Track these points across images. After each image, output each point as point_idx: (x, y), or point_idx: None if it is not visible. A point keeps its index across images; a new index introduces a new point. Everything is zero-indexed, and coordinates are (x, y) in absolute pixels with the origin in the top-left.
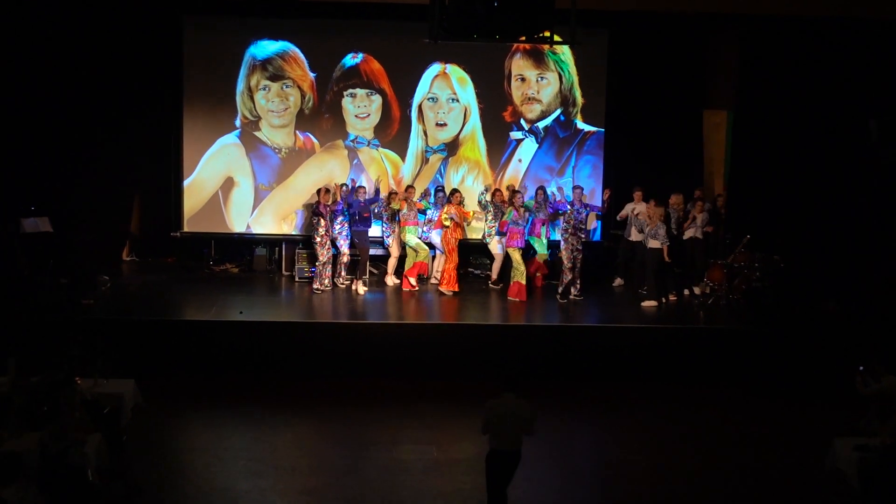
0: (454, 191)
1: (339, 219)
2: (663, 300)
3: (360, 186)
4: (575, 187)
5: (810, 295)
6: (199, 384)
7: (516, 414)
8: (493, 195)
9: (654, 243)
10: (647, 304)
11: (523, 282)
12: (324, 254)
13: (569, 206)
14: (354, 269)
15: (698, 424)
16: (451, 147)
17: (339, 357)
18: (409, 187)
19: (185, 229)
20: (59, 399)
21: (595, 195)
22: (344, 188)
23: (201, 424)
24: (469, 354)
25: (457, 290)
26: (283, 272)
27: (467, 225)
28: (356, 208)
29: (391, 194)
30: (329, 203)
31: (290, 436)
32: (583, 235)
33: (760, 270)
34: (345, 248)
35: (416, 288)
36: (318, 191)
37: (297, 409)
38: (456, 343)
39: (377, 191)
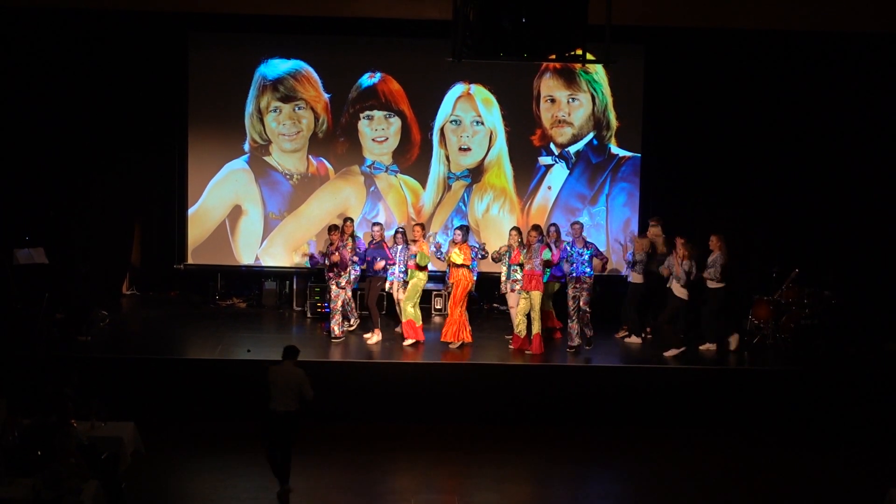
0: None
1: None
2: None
3: (375, 224)
4: (573, 224)
5: (866, 334)
6: (203, 428)
7: (292, 379)
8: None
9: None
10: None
11: (539, 331)
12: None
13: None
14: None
15: (739, 476)
16: (476, 173)
17: (355, 399)
18: (417, 225)
19: (190, 261)
20: (53, 443)
21: (631, 225)
22: (348, 223)
23: (206, 471)
24: (493, 396)
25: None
26: (295, 308)
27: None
28: (370, 255)
29: (397, 234)
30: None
31: (301, 484)
32: (587, 279)
33: (810, 307)
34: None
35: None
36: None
37: (309, 455)
38: (479, 384)
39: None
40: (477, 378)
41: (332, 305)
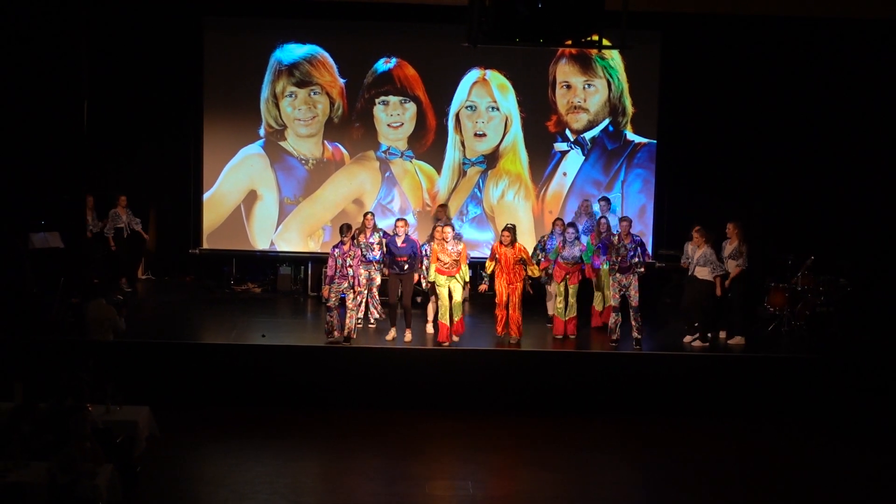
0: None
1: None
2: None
3: (399, 220)
4: (622, 219)
5: (881, 321)
6: (217, 412)
7: (105, 315)
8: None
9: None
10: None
11: (562, 317)
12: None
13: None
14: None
15: (752, 463)
16: (491, 159)
17: (369, 384)
18: (445, 225)
19: (205, 246)
20: (69, 427)
21: (646, 211)
22: (368, 217)
23: (220, 456)
24: (507, 384)
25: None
26: (310, 293)
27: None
28: (392, 248)
29: (434, 229)
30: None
31: (315, 469)
32: (640, 269)
33: (825, 294)
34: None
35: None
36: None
37: (322, 441)
38: (493, 371)
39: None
40: (492, 366)
41: (329, 304)
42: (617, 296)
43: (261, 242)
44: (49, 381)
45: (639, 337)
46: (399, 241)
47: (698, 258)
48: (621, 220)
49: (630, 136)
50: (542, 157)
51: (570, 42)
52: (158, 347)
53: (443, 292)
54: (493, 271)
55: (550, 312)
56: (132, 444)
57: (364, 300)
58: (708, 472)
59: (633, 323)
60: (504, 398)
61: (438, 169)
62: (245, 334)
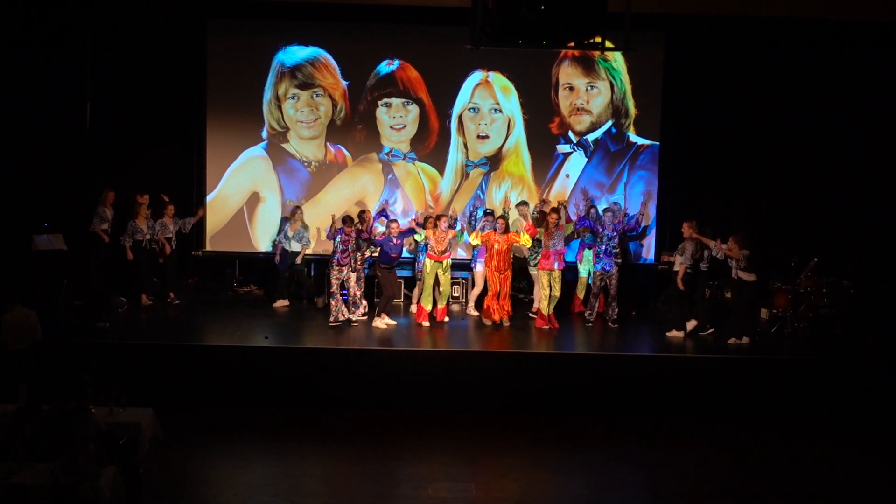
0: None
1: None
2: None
3: (392, 221)
4: (605, 210)
5: (885, 323)
6: (220, 414)
7: (26, 321)
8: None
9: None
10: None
11: (545, 311)
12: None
13: (599, 228)
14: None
15: (754, 465)
16: (494, 161)
17: (371, 386)
18: (441, 216)
19: (208, 248)
20: (72, 429)
21: (649, 210)
22: (367, 213)
23: (223, 457)
24: (509, 384)
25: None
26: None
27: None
28: (387, 248)
29: (427, 220)
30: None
31: (317, 471)
32: (617, 260)
33: (829, 296)
34: (354, 288)
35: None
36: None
37: (324, 442)
38: (495, 372)
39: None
40: (493, 366)
41: (332, 290)
42: (598, 282)
43: (263, 244)
44: (53, 383)
45: (614, 317)
46: (394, 241)
47: (678, 249)
48: (605, 210)
49: (633, 137)
50: (544, 159)
51: (573, 44)
52: (161, 349)
53: (429, 279)
54: (484, 263)
55: (536, 306)
56: (135, 446)
57: (360, 288)
58: (710, 473)
59: (610, 310)
60: (505, 399)
61: (441, 171)
62: (248, 336)
